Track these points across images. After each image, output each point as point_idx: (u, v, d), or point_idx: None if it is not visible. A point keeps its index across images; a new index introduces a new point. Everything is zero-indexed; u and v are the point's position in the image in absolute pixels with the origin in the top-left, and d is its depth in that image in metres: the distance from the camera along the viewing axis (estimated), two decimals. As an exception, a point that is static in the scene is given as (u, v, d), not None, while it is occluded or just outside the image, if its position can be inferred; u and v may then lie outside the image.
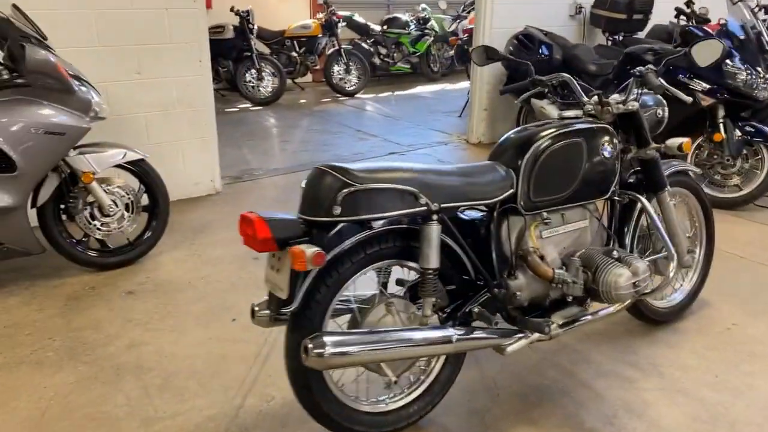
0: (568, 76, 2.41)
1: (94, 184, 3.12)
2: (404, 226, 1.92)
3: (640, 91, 2.36)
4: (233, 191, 4.58)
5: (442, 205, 1.88)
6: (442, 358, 2.12)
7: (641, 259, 2.22)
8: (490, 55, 2.60)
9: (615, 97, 2.36)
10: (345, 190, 1.74)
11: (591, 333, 2.68)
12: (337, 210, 1.74)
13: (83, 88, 3.02)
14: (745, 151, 4.15)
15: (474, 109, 5.96)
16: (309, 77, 9.39)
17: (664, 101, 2.48)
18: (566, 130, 2.17)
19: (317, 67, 8.98)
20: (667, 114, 2.50)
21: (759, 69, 4.09)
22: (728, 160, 4.16)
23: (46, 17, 3.49)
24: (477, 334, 1.98)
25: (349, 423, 1.95)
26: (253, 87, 7.87)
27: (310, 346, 1.68)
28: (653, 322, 2.71)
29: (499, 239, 2.12)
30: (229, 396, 2.26)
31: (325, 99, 8.52)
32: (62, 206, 3.14)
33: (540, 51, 5.18)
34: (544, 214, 2.16)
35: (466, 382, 2.34)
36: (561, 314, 2.20)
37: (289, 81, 8.73)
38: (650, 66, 2.25)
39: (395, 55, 9.67)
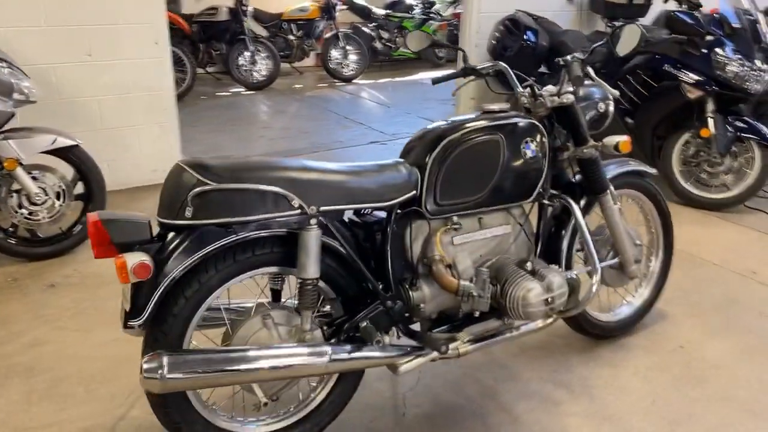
0: (504, 65, 2.17)
1: (19, 171, 2.97)
2: (283, 230, 1.72)
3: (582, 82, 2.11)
4: (196, 179, 4.41)
5: (322, 209, 1.68)
6: (335, 375, 1.93)
7: (560, 271, 1.98)
8: (428, 41, 2.38)
9: (549, 89, 2.11)
10: (197, 190, 1.55)
11: (526, 347, 2.45)
12: (189, 212, 1.55)
13: (5, 71, 2.87)
14: (735, 148, 3.84)
15: (461, 99, 5.69)
16: (310, 61, 9.19)
17: (610, 95, 2.22)
18: (481, 125, 1.94)
19: (317, 51, 8.77)
20: (611, 109, 2.24)
21: (755, 60, 3.76)
22: (716, 157, 3.85)
23: (-16, -5, 3.35)
24: (362, 352, 1.77)
25: (217, 445, 1.77)
26: (246, 71, 7.68)
27: (145, 366, 1.50)
28: (596, 337, 2.48)
29: (398, 245, 1.90)
30: (113, 405, 2.10)
31: (321, 84, 8.31)
32: (-13, 194, 3.02)
33: (525, 37, 4.89)
34: (455, 218, 1.94)
35: (373, 399, 2.14)
36: (472, 329, 1.98)
37: (287, 65, 8.55)
38: (576, 55, 2.00)
39: (398, 39, 9.40)
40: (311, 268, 1.70)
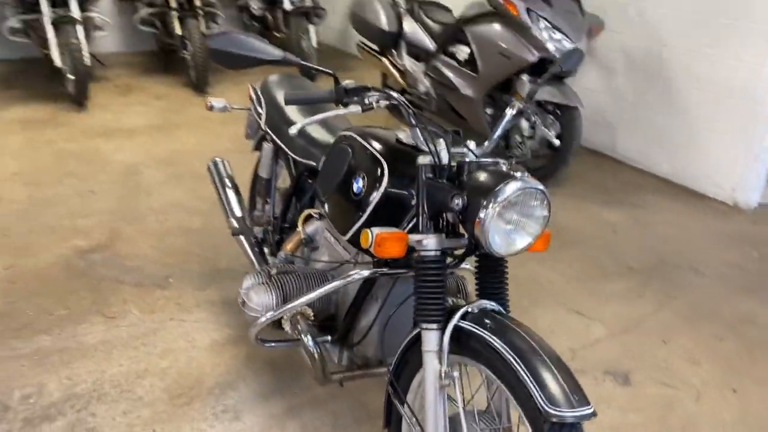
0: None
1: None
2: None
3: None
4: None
5: (268, 130, 2.24)
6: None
7: (275, 299, 1.68)
8: None
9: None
10: None
11: None
12: None
13: (546, 31, 3.59)
14: None
15: None
16: None
17: None
18: (348, 133, 1.75)
19: None
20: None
21: None
22: None
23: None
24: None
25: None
26: None
27: None
28: None
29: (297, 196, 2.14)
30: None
31: None
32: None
33: None
34: (324, 208, 1.92)
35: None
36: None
37: None
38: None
39: None
40: (261, 169, 2.35)
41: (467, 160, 1.42)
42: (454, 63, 4.18)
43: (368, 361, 1.82)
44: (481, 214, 1.30)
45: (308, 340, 1.71)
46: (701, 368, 2.36)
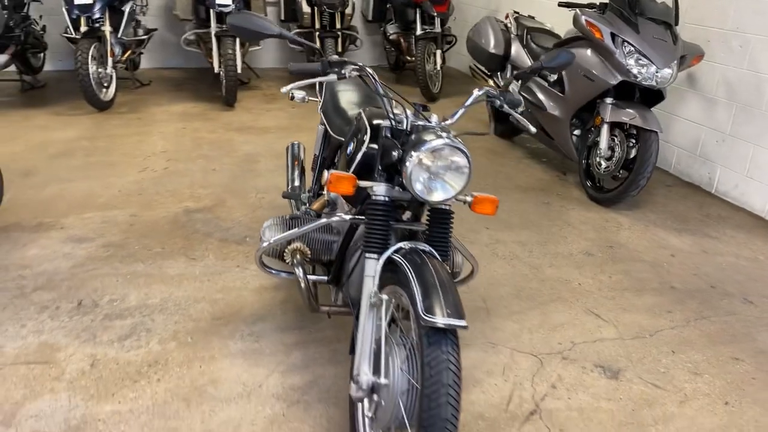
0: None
1: (604, 127, 3.87)
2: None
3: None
4: None
5: (322, 114, 2.69)
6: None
7: (283, 236, 2.06)
8: None
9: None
10: None
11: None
12: None
13: (631, 57, 3.67)
14: None
15: None
16: None
17: None
18: (365, 111, 2.11)
19: None
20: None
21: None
22: None
23: None
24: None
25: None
26: None
27: None
28: None
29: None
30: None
31: None
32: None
33: None
34: None
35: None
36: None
37: None
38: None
39: None
40: (315, 147, 2.79)
41: (418, 124, 1.73)
42: (545, 84, 4.36)
43: (353, 300, 2.15)
44: (407, 163, 1.61)
45: (299, 272, 2.09)
46: (701, 379, 2.36)
